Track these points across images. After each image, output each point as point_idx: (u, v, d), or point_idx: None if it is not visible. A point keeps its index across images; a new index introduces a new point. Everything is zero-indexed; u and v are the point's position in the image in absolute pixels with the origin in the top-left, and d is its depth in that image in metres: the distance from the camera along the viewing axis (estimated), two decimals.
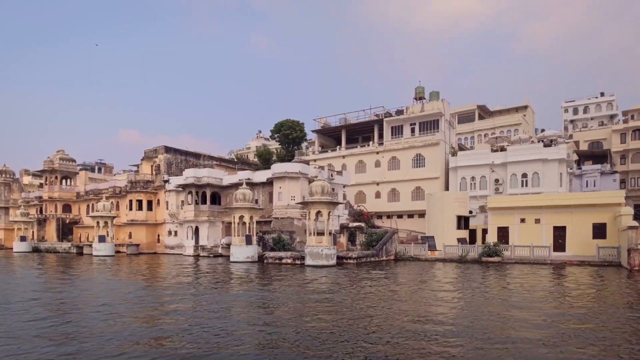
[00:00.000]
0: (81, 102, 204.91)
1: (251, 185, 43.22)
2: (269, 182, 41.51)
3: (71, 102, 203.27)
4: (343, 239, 39.16)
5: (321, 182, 28.68)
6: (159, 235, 51.67)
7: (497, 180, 43.62)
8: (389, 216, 49.86)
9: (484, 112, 71.33)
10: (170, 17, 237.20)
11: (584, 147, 69.43)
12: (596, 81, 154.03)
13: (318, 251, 27.63)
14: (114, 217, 46.11)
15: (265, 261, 31.28)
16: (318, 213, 28.49)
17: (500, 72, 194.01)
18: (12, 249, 68.69)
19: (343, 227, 39.95)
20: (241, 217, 32.33)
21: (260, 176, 42.52)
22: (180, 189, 46.36)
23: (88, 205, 60.57)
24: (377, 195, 49.84)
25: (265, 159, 60.42)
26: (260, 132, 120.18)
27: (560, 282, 21.31)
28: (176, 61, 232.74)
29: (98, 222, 44.83)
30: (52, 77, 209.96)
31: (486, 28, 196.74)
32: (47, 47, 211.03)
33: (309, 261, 27.89)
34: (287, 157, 58.87)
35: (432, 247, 36.30)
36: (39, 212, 63.50)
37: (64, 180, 62.49)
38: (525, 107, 70.35)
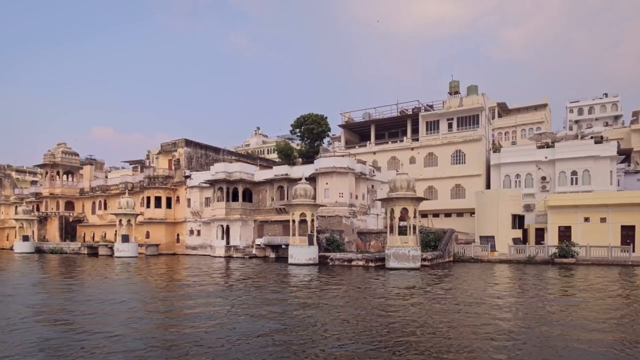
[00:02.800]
0: (55, 99, 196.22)
1: (288, 181, 40.36)
2: (311, 178, 38.67)
3: (45, 100, 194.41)
4: None
5: (406, 177, 26.18)
6: (178, 235, 48.08)
7: (544, 178, 42.02)
8: (424, 215, 47.64)
9: (503, 110, 70.26)
10: (148, 14, 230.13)
11: None
12: (577, 83, 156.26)
13: (404, 252, 25.10)
14: (136, 215, 42.33)
15: (330, 263, 28.55)
16: (403, 210, 25.97)
17: (486, 74, 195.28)
18: (3, 249, 63.74)
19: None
20: (302, 215, 29.45)
21: (300, 171, 39.56)
22: (207, 184, 42.99)
23: (94, 203, 56.37)
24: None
25: (286, 155, 57.36)
26: (258, 129, 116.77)
27: None
28: (152, 59, 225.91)
29: (120, 220, 41.01)
30: (26, 75, 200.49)
31: (466, 31, 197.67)
32: (21, 46, 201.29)
33: (392, 263, 25.31)
34: (310, 152, 56.04)
35: (492, 248, 34.31)
36: (35, 210, 58.74)
37: (64, 176, 58.09)
38: (545, 105, 69.57)
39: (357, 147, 52.90)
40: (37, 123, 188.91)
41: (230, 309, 13.77)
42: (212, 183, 42.01)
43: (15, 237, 62.50)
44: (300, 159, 59.22)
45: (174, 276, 25.39)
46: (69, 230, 56.14)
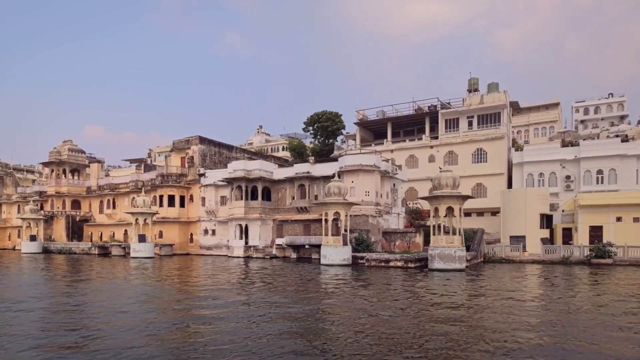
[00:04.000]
0: (47, 99, 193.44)
1: (310, 179, 39.32)
2: (333, 177, 37.63)
3: (37, 99, 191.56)
4: (419, 239, 35.88)
5: (451, 174, 25.27)
6: (191, 235, 46.83)
7: (568, 177, 41.37)
8: None
9: (514, 109, 69.61)
10: (142, 14, 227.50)
11: None
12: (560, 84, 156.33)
13: (450, 253, 24.16)
14: (153, 214, 40.99)
15: (365, 264, 27.54)
16: (449, 209, 25.01)
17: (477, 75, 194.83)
18: (4, 249, 61.99)
19: (419, 226, 36.70)
20: (335, 214, 28.41)
21: (323, 169, 38.57)
22: (225, 183, 41.80)
23: (101, 201, 54.91)
24: (431, 192, 46.71)
25: (298, 153, 56.32)
26: (261, 127, 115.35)
27: None
28: (145, 58, 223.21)
29: (137, 219, 39.65)
30: (20, 75, 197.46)
31: (459, 33, 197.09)
32: (14, 47, 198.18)
33: (437, 264, 24.36)
34: (323, 150, 55.06)
35: (523, 248, 33.56)
36: (39, 209, 57.07)
37: (69, 174, 56.50)
38: (557, 104, 69.04)
39: (373, 144, 51.95)
40: (29, 122, 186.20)
41: (291, 317, 12.72)
42: (230, 181, 40.84)
43: (20, 237, 60.95)
44: (312, 157, 58.16)
45: (206, 278, 24.21)
46: (75, 229, 54.59)
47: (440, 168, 27.68)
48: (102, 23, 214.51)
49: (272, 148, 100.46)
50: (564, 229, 37.67)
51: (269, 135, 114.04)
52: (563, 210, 40.27)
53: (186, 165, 47.12)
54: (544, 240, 35.93)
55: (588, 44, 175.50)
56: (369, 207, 35.23)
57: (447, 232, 35.57)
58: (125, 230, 51.34)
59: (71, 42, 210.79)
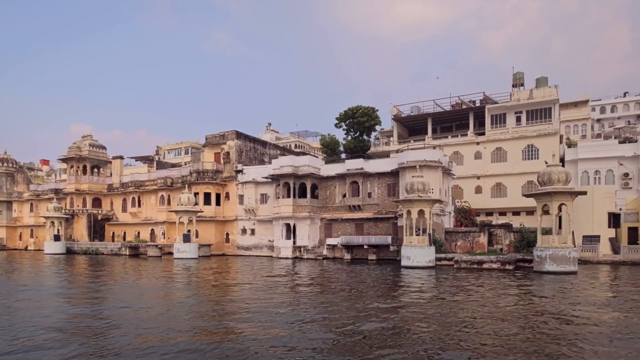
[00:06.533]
0: (37, 97, 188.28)
1: (363, 176, 37.31)
2: (390, 173, 35.74)
3: (27, 98, 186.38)
4: (483, 239, 34.06)
5: (563, 169, 23.52)
6: (227, 234, 44.46)
7: (626, 175, 39.97)
8: (488, 213, 45.24)
9: None
10: (130, 13, 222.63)
11: None
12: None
13: (564, 254, 22.29)
14: (197, 212, 38.49)
15: (455, 265, 25.58)
16: (561, 206, 23.14)
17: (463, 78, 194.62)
18: (15, 249, 58.87)
19: (484, 226, 34.90)
20: (421, 212, 26.42)
21: (378, 166, 36.64)
22: (269, 180, 39.58)
23: (124, 199, 52.16)
24: (478, 190, 45.08)
25: (331, 149, 54.27)
26: (270, 124, 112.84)
27: None
28: (131, 58, 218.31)
29: (180, 218, 37.13)
30: (10, 73, 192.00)
31: (445, 34, 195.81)
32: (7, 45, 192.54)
33: (548, 266, 22.49)
34: (357, 147, 53.03)
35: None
36: None
37: (86, 171, 53.62)
38: (586, 101, 67.93)
39: (412, 141, 50.11)
40: (23, 121, 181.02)
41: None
42: (275, 178, 38.62)
43: (32, 237, 57.92)
44: (343, 154, 56.20)
45: (303, 282, 21.96)
46: (97, 229, 51.78)
47: (547, 162, 25.90)
48: (93, 24, 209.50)
49: (284, 146, 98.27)
50: (629, 229, 36.13)
51: (278, 132, 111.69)
52: (620, 209, 38.86)
53: (221, 161, 44.75)
54: (612, 240, 34.45)
55: (573, 46, 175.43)
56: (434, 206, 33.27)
57: (512, 232, 33.84)
58: (152, 230, 48.81)
59: (65, 43, 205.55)
